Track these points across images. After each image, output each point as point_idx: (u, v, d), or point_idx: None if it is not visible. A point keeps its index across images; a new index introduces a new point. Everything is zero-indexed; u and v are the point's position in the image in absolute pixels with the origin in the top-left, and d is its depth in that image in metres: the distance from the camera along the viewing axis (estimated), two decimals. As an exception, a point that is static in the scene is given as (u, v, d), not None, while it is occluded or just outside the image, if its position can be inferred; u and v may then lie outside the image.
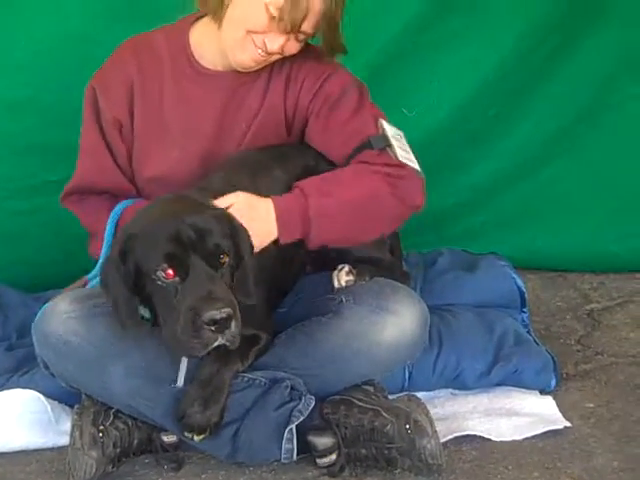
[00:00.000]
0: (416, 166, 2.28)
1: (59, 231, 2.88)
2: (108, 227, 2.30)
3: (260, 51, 2.23)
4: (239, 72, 2.33)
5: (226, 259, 1.97)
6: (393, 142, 2.26)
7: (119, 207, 2.33)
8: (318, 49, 2.36)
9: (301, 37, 2.24)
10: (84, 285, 2.31)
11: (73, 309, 2.13)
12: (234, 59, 2.27)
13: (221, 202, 2.11)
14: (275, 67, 2.35)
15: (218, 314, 1.89)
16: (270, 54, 2.24)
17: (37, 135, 2.84)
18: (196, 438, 2.08)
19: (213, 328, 1.90)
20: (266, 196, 2.19)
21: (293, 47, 2.25)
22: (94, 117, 2.36)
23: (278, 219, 2.16)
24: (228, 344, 1.94)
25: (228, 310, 1.90)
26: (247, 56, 2.25)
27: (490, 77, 3.07)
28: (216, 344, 1.93)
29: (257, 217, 2.14)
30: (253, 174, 2.28)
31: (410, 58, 3.04)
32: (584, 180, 3.20)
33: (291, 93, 2.35)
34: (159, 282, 1.94)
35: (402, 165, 2.24)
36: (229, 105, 2.35)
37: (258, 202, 2.17)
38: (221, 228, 1.98)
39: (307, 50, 2.33)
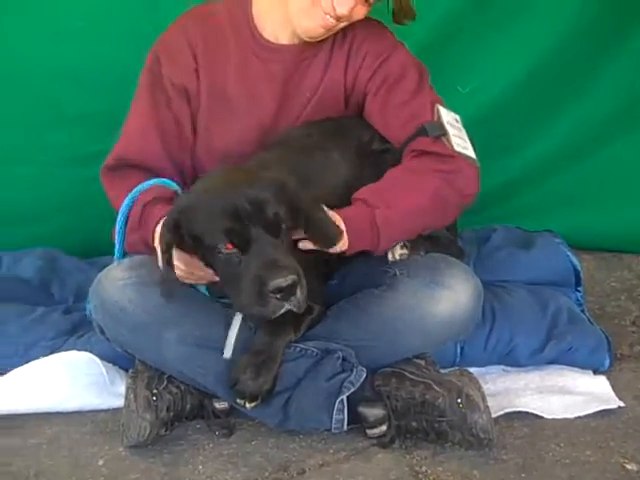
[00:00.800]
0: (471, 154, 2.25)
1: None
2: (119, 217, 2.22)
3: (329, 17, 2.20)
4: (302, 45, 2.31)
5: (284, 226, 1.98)
6: (449, 129, 2.23)
7: (131, 197, 2.20)
8: (380, 24, 2.34)
9: (370, 0, 2.21)
10: None
11: (129, 276, 2.16)
12: (301, 27, 2.24)
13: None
14: (337, 41, 2.33)
15: (284, 282, 1.90)
16: (339, 19, 2.21)
17: (93, 104, 2.86)
18: (248, 405, 2.10)
19: (279, 296, 1.91)
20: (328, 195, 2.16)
21: (361, 11, 2.22)
22: (150, 87, 2.31)
23: (348, 230, 2.11)
24: (295, 309, 1.95)
25: (293, 277, 1.91)
26: (315, 23, 2.22)
27: (546, 55, 3.03)
28: (282, 311, 1.94)
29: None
30: (309, 154, 2.27)
31: (466, 35, 3.00)
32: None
33: (351, 68, 2.33)
34: (221, 255, 1.96)
35: (455, 155, 2.21)
36: (290, 80, 2.33)
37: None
38: (276, 195, 1.99)
39: (369, 24, 2.31)
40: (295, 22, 2.25)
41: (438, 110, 2.26)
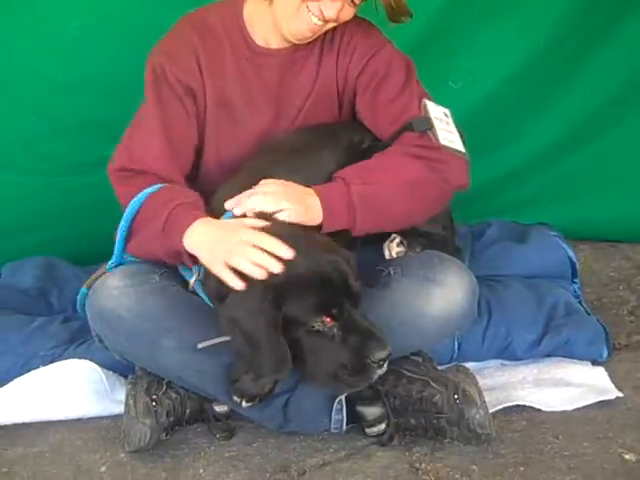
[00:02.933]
0: (459, 147, 2.26)
1: (113, 206, 2.93)
2: (127, 213, 2.19)
3: (316, 19, 2.21)
4: (292, 48, 2.32)
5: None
6: (435, 124, 2.24)
7: (143, 194, 2.19)
8: (368, 21, 2.35)
9: (356, 1, 2.21)
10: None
11: (125, 284, 2.16)
12: (289, 30, 2.25)
13: (258, 189, 2.10)
14: (326, 41, 2.34)
15: (385, 353, 1.96)
16: (326, 21, 2.22)
17: (90, 112, 2.86)
18: (244, 404, 2.11)
19: (378, 365, 1.97)
20: (307, 185, 2.16)
21: (348, 13, 2.23)
22: (156, 95, 2.29)
23: (323, 206, 2.13)
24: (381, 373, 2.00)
25: (390, 348, 1.96)
26: (303, 26, 2.22)
27: (538, 49, 3.02)
28: (376, 377, 2.00)
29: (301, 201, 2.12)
30: (301, 156, 2.27)
31: (457, 31, 3.00)
32: (636, 149, 3.14)
33: (341, 65, 2.34)
34: (315, 328, 1.96)
35: (441, 147, 2.22)
36: (284, 83, 2.34)
37: (298, 187, 2.14)
38: (350, 267, 2.01)
39: (357, 22, 2.32)
40: (282, 26, 2.25)
41: (425, 105, 2.28)
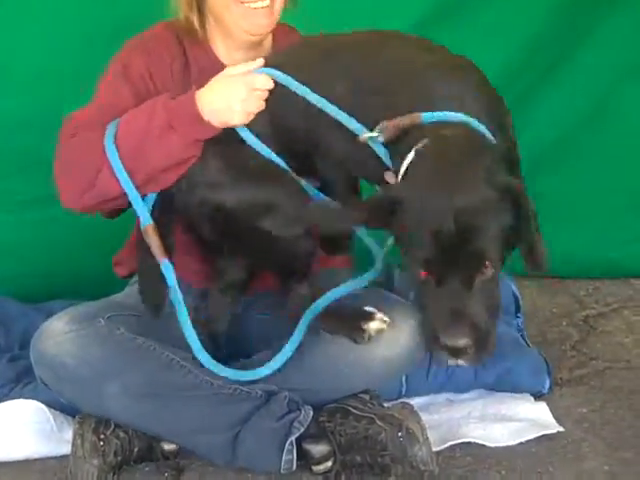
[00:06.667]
0: None
1: (65, 243, 2.94)
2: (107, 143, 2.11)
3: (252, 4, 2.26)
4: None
5: (490, 270, 1.75)
6: None
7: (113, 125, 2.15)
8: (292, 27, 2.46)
9: None
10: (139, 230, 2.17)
11: (70, 329, 2.16)
12: (242, 31, 2.30)
13: None
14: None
15: (455, 343, 1.74)
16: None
17: (42, 151, 2.84)
18: None
19: (447, 352, 1.78)
20: None
21: None
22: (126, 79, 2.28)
23: None
24: (466, 364, 1.81)
25: (466, 341, 1.73)
26: (250, 21, 2.28)
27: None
28: (453, 364, 1.81)
29: None
30: None
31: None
32: (582, 187, 3.22)
33: None
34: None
35: None
36: None
37: None
38: (496, 220, 1.73)
39: (287, 31, 2.43)
40: (235, 30, 2.30)
41: None
